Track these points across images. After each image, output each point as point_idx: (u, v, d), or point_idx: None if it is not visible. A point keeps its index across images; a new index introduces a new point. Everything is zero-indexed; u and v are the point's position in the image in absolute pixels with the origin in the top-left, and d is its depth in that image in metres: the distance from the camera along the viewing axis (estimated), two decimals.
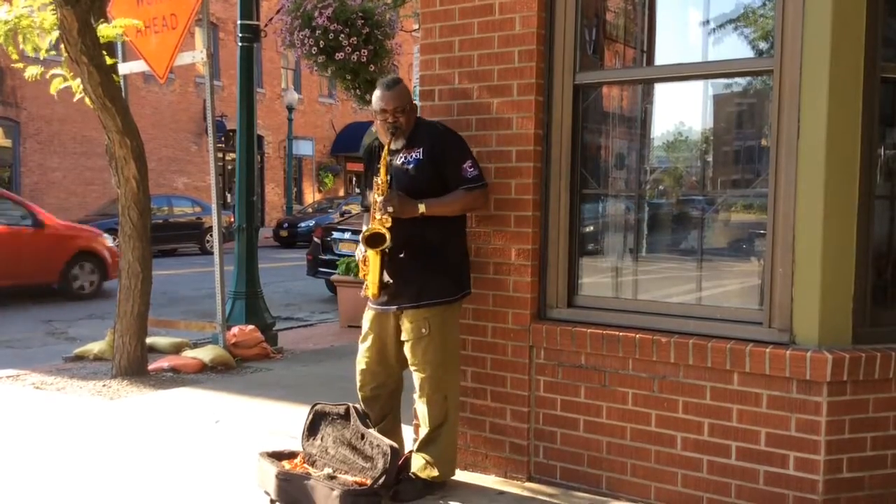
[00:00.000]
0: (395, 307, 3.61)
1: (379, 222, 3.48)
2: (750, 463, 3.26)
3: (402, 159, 3.59)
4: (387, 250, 3.49)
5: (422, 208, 3.48)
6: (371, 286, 3.56)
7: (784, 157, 3.19)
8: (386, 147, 3.60)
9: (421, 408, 3.67)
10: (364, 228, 3.62)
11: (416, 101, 3.85)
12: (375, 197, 3.52)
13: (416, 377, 3.64)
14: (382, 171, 3.53)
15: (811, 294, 3.15)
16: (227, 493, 3.74)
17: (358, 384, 3.80)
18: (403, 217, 3.48)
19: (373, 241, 3.49)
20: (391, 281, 3.56)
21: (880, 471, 3.20)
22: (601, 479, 3.63)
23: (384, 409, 3.79)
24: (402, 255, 3.56)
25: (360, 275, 3.67)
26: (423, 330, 3.55)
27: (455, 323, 3.71)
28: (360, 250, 3.67)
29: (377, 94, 3.59)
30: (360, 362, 3.77)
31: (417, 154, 3.57)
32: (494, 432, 3.90)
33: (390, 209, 3.45)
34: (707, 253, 3.77)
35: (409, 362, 3.64)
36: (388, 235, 3.45)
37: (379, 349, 3.71)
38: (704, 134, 3.84)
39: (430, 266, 3.57)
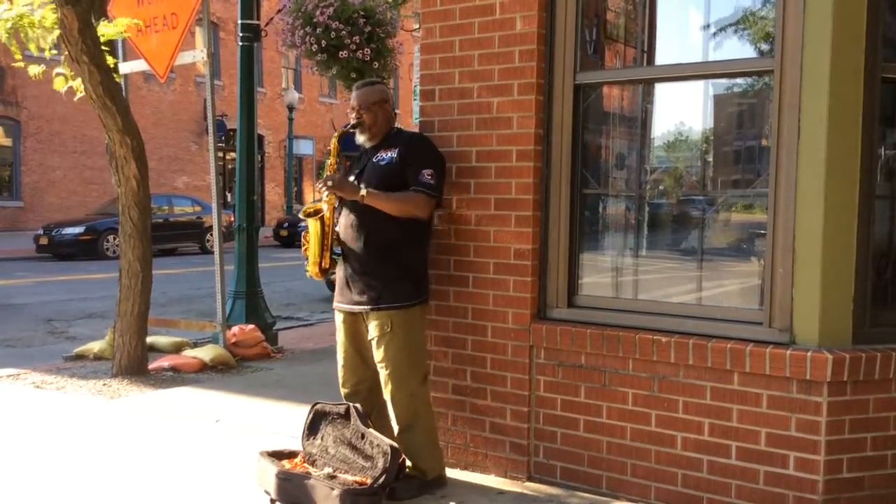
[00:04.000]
0: (357, 308, 3.69)
1: (324, 201, 3.69)
2: (750, 463, 3.26)
3: (378, 157, 3.71)
4: (328, 228, 3.68)
5: (363, 191, 3.57)
6: (311, 265, 3.72)
7: (784, 157, 3.19)
8: (337, 135, 3.82)
9: (389, 406, 3.70)
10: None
11: (416, 101, 3.87)
12: (322, 178, 3.73)
13: (381, 374, 3.68)
14: (332, 155, 3.78)
15: (811, 294, 3.14)
16: (227, 492, 3.74)
17: (340, 381, 3.86)
18: (341, 194, 3.64)
19: (311, 213, 3.68)
20: (355, 276, 3.68)
21: (880, 471, 3.19)
22: (601, 478, 3.63)
23: (366, 404, 3.78)
24: (365, 259, 3.64)
25: (302, 251, 3.83)
26: (386, 328, 3.61)
27: (419, 324, 3.74)
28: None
29: (353, 90, 3.85)
30: (339, 359, 3.86)
31: (392, 154, 3.68)
32: (494, 432, 3.90)
33: (329, 183, 3.60)
34: (707, 253, 3.77)
35: (375, 359, 3.68)
36: (324, 209, 3.65)
37: (354, 345, 3.78)
38: (705, 134, 3.84)
39: (391, 271, 3.63)
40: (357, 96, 3.76)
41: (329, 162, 3.79)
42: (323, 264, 3.71)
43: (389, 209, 3.58)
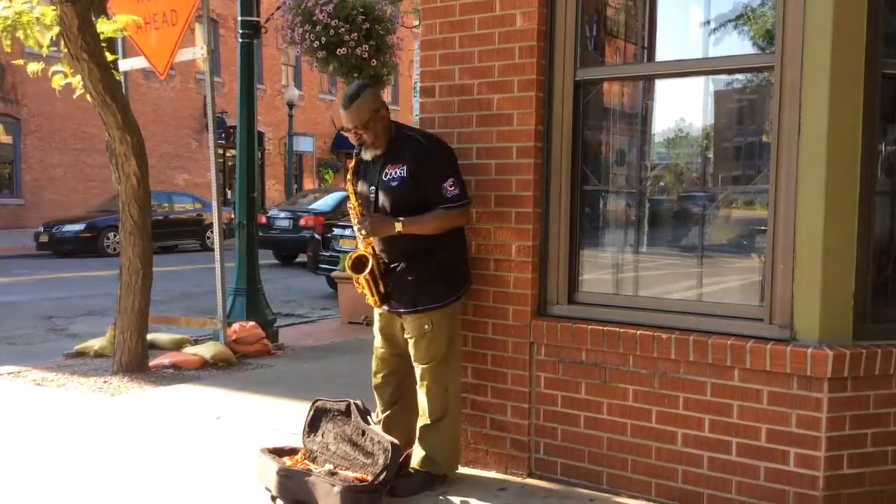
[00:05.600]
0: (393, 311, 3.70)
1: (364, 243, 3.61)
2: (750, 459, 3.26)
3: (388, 175, 3.61)
4: (375, 270, 3.60)
5: (398, 227, 3.52)
6: (370, 299, 3.70)
7: (785, 153, 3.18)
8: (351, 170, 3.71)
9: (422, 399, 3.70)
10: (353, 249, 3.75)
11: (416, 98, 3.86)
12: (354, 222, 3.64)
13: (418, 369, 3.68)
14: (352, 197, 3.65)
15: (812, 290, 3.14)
16: (228, 489, 3.74)
17: (373, 370, 3.91)
18: (380, 237, 3.58)
19: (356, 267, 3.61)
20: (390, 291, 3.66)
21: (881, 467, 3.20)
22: (602, 475, 3.64)
23: (393, 396, 3.85)
24: (395, 267, 3.64)
25: (358, 291, 3.78)
26: (426, 327, 3.61)
27: (456, 319, 3.75)
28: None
29: (341, 111, 3.63)
30: (376, 350, 3.89)
31: (401, 171, 3.57)
32: (495, 429, 3.90)
33: (363, 232, 3.56)
34: (708, 249, 3.77)
35: (413, 357, 3.69)
36: (370, 260, 3.58)
37: (388, 338, 3.81)
38: (705, 130, 3.84)
39: (423, 275, 3.62)
40: (350, 117, 3.55)
41: (351, 205, 3.64)
42: (382, 291, 3.65)
43: (427, 231, 3.57)
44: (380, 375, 3.87)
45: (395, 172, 3.59)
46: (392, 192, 3.58)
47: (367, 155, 3.64)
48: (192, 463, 4.10)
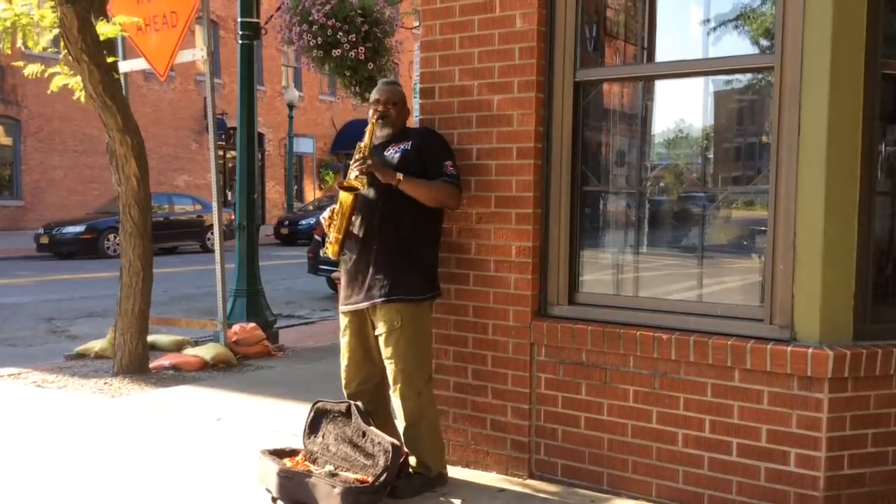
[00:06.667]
0: (366, 303, 3.66)
1: (355, 179, 3.58)
2: (751, 459, 3.26)
3: (391, 150, 3.71)
4: (358, 206, 3.62)
5: (399, 176, 3.56)
6: (333, 244, 3.69)
7: (785, 153, 3.19)
8: (372, 123, 3.73)
9: (396, 402, 3.70)
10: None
11: (416, 99, 3.88)
12: (356, 156, 3.64)
13: (389, 370, 3.66)
14: (368, 136, 3.68)
15: (812, 291, 3.14)
16: (228, 490, 3.74)
17: (343, 382, 3.83)
18: (378, 174, 3.56)
19: (347, 188, 3.61)
20: (365, 268, 3.63)
21: (881, 467, 3.20)
22: (602, 475, 3.64)
23: (371, 403, 3.79)
24: (377, 250, 3.62)
25: (325, 227, 3.78)
26: (396, 323, 3.60)
27: (427, 320, 3.74)
28: (324, 215, 3.82)
29: (376, 87, 3.81)
30: (343, 359, 3.83)
31: (406, 146, 3.69)
32: (495, 429, 3.90)
33: (369, 162, 3.56)
34: (708, 250, 3.77)
35: (383, 355, 3.67)
36: (361, 188, 3.56)
37: (360, 343, 3.76)
38: (705, 130, 3.84)
39: (403, 263, 3.62)
40: (385, 91, 3.78)
41: (364, 143, 3.66)
42: (341, 238, 3.68)
43: (422, 196, 3.59)
44: (353, 384, 3.80)
45: (400, 147, 3.70)
46: (396, 162, 3.65)
47: (382, 133, 3.76)
48: (192, 464, 4.10)
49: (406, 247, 3.63)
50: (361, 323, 3.74)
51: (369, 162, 3.57)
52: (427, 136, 3.79)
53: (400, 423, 3.70)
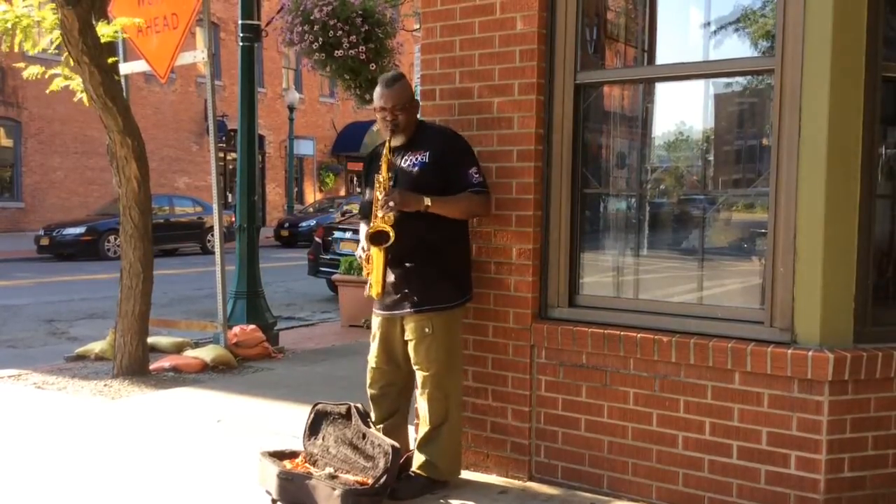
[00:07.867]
0: (397, 312, 3.64)
1: (381, 220, 3.47)
2: (751, 462, 3.26)
3: (408, 161, 3.60)
4: (390, 248, 3.48)
5: (427, 201, 3.47)
6: (374, 286, 3.58)
7: (785, 156, 3.19)
8: (387, 145, 3.61)
9: (422, 405, 3.68)
10: (367, 227, 3.61)
11: (417, 100, 3.85)
12: (377, 194, 3.52)
13: (419, 375, 3.65)
14: (384, 167, 3.56)
15: (812, 293, 3.14)
16: (228, 492, 3.74)
17: (368, 381, 3.82)
18: (406, 210, 3.46)
19: (376, 238, 3.48)
20: (394, 281, 3.58)
21: (882, 470, 3.19)
22: (602, 478, 3.63)
23: (392, 406, 3.80)
24: (406, 263, 3.58)
25: (364, 274, 3.70)
26: (427, 330, 3.58)
27: (458, 325, 3.73)
28: (360, 249, 3.71)
29: (377, 91, 3.62)
30: (371, 361, 3.81)
31: (423, 157, 3.57)
32: (496, 432, 3.90)
33: (392, 203, 3.44)
34: (708, 252, 3.77)
35: (413, 361, 3.65)
36: (391, 232, 3.44)
37: (386, 349, 3.73)
38: (705, 133, 3.84)
39: (432, 273, 3.59)
40: (390, 95, 3.55)
41: (383, 177, 3.53)
42: (387, 280, 3.59)
43: (454, 214, 3.55)
44: (377, 386, 3.79)
45: (417, 158, 3.58)
46: (412, 177, 3.55)
47: (396, 141, 3.62)
48: (192, 466, 4.10)
49: (438, 259, 3.59)
50: (390, 330, 3.70)
51: (391, 204, 3.42)
52: (444, 141, 3.61)
53: (423, 425, 3.69)
